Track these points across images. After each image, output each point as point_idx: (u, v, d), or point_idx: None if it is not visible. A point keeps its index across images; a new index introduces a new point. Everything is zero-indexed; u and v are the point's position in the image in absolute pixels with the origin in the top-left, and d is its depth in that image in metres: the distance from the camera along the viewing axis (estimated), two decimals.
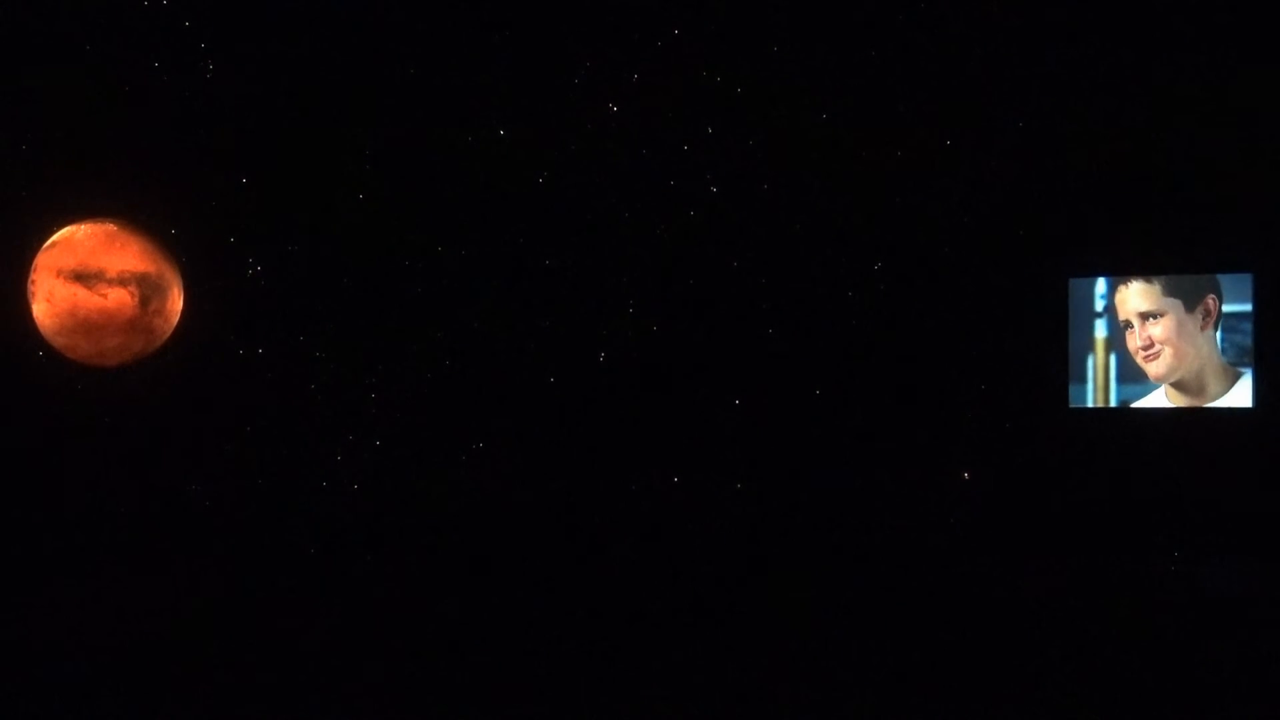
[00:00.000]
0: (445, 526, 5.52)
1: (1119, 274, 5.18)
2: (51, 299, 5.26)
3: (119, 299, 5.29)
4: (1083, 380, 5.21)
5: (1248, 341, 4.97)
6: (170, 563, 5.47)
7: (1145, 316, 5.05)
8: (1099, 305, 5.17)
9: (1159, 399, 5.07)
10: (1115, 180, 5.19)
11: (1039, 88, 5.22)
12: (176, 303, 5.41)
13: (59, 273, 5.28)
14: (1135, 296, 5.07)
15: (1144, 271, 5.14)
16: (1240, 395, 5.02)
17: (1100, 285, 5.18)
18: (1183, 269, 5.09)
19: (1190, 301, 5.02)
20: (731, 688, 5.12)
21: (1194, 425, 5.10)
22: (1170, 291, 5.01)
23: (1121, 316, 5.11)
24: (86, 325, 5.27)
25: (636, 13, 5.35)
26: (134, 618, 5.35)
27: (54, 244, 5.30)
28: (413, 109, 5.45)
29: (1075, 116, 5.20)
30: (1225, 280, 4.98)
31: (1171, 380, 5.07)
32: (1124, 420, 5.19)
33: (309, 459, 5.53)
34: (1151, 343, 5.06)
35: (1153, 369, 5.11)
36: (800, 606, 5.29)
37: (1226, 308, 4.99)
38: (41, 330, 5.28)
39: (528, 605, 5.42)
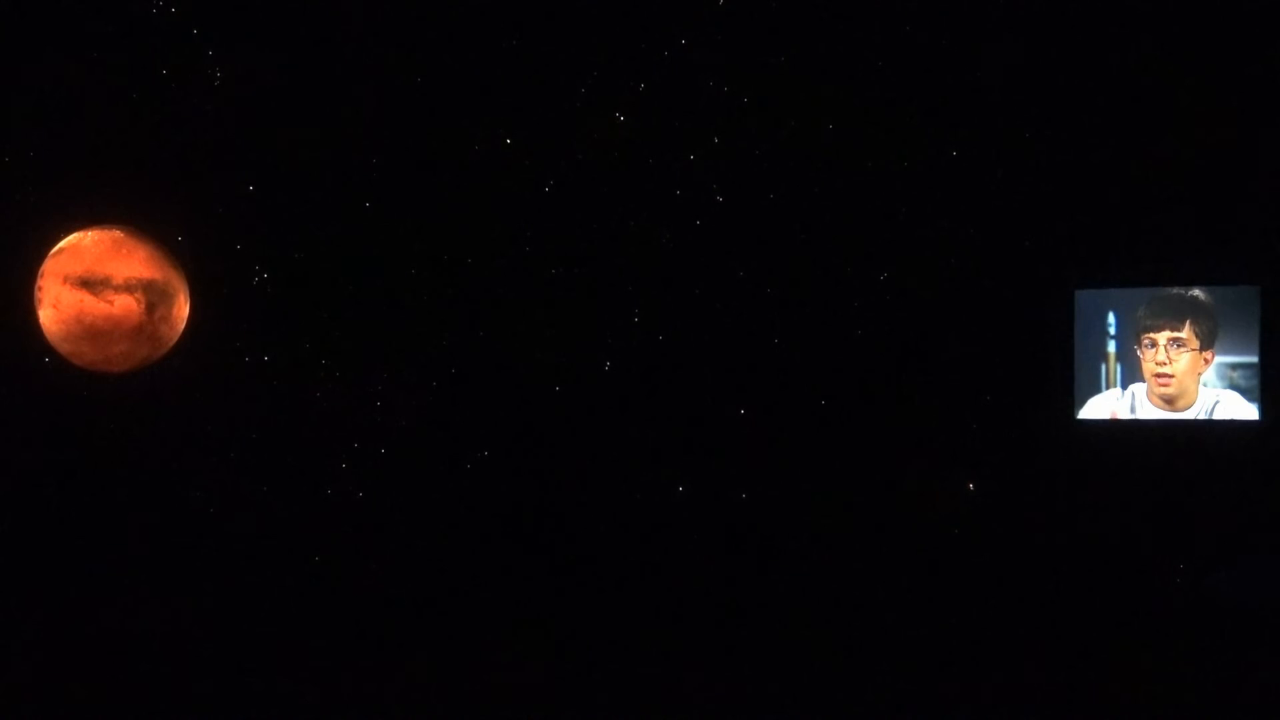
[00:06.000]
0: (451, 534, 5.52)
1: (1125, 286, 5.19)
2: (58, 305, 5.26)
3: (125, 305, 5.29)
4: (1098, 390, 5.23)
5: (1245, 383, 5.06)
6: (174, 570, 5.47)
7: (1174, 342, 5.09)
8: (1110, 329, 5.21)
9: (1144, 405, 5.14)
10: (1122, 192, 5.19)
11: (1045, 98, 5.22)
12: (183, 309, 5.40)
13: (65, 279, 5.27)
14: (1169, 323, 5.12)
15: (1150, 283, 5.15)
16: (1239, 407, 5.05)
17: (1110, 316, 5.20)
18: (1189, 281, 5.09)
19: (1203, 345, 5.08)
20: (736, 694, 5.12)
21: (1201, 437, 5.11)
22: (1196, 333, 5.07)
23: (1146, 334, 5.12)
24: (92, 332, 5.26)
25: (643, 22, 5.35)
26: (137, 624, 5.35)
27: (61, 250, 5.29)
28: (419, 117, 5.45)
29: (1080, 127, 5.21)
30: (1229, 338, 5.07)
31: (1167, 402, 5.15)
32: (1130, 432, 5.20)
33: (314, 466, 5.52)
34: (1169, 361, 5.09)
35: (1161, 390, 5.13)
36: (804, 616, 5.29)
37: (1233, 359, 5.07)
38: (47, 336, 5.27)
39: (533, 613, 5.41)
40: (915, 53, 5.25)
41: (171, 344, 5.41)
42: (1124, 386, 5.19)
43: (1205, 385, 5.08)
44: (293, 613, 5.42)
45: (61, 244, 5.30)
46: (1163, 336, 5.10)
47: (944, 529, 5.31)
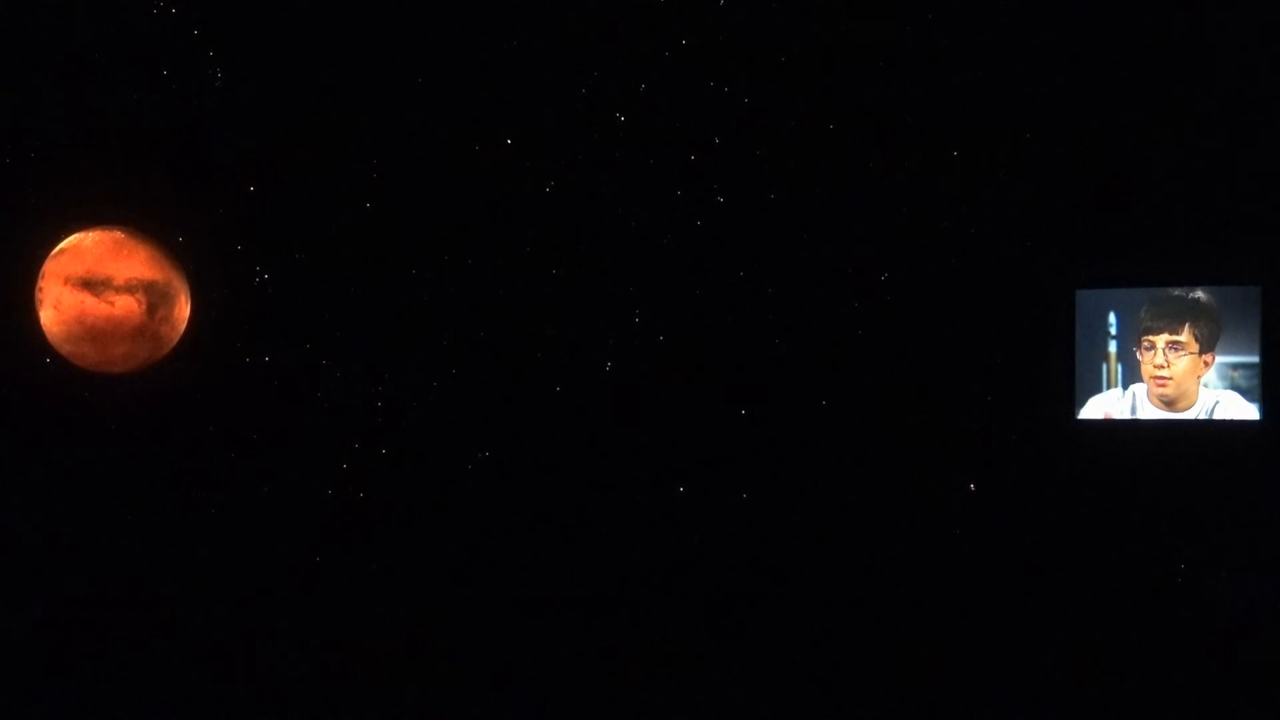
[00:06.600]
0: (451, 535, 5.52)
1: (1125, 286, 5.18)
2: (59, 306, 5.27)
3: (126, 306, 5.30)
4: (1099, 390, 5.22)
5: (1246, 383, 5.05)
6: (175, 570, 5.48)
7: (1173, 345, 5.08)
8: (1111, 329, 5.19)
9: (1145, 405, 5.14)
10: (1122, 192, 5.17)
11: (1045, 99, 5.21)
12: (184, 310, 5.41)
13: (66, 280, 5.28)
14: (1168, 326, 5.11)
15: (1151, 283, 5.14)
16: (1240, 407, 5.05)
17: (1111, 316, 5.19)
18: (1190, 281, 5.08)
19: (1203, 349, 5.07)
20: (735, 697, 5.12)
21: (1201, 437, 5.10)
22: (1195, 336, 5.06)
23: (1145, 336, 5.11)
24: (93, 333, 5.27)
25: (644, 22, 5.34)
26: (139, 624, 5.36)
27: (61, 251, 5.31)
28: (420, 117, 5.45)
29: (1082, 127, 5.19)
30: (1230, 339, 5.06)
31: (1166, 403, 5.14)
32: (1130, 432, 5.19)
33: (315, 467, 5.53)
34: (1167, 364, 5.08)
35: (1159, 391, 5.12)
36: (804, 617, 5.29)
37: (1234, 359, 5.06)
38: (49, 337, 5.29)
39: (533, 614, 5.42)
40: (915, 53, 5.23)
41: (172, 345, 5.42)
42: (1125, 386, 5.18)
43: (1206, 386, 5.07)
44: (293, 613, 5.43)
45: (62, 245, 5.32)
46: (1161, 339, 5.09)
47: (944, 529, 5.30)
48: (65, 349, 5.29)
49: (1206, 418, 5.06)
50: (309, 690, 5.23)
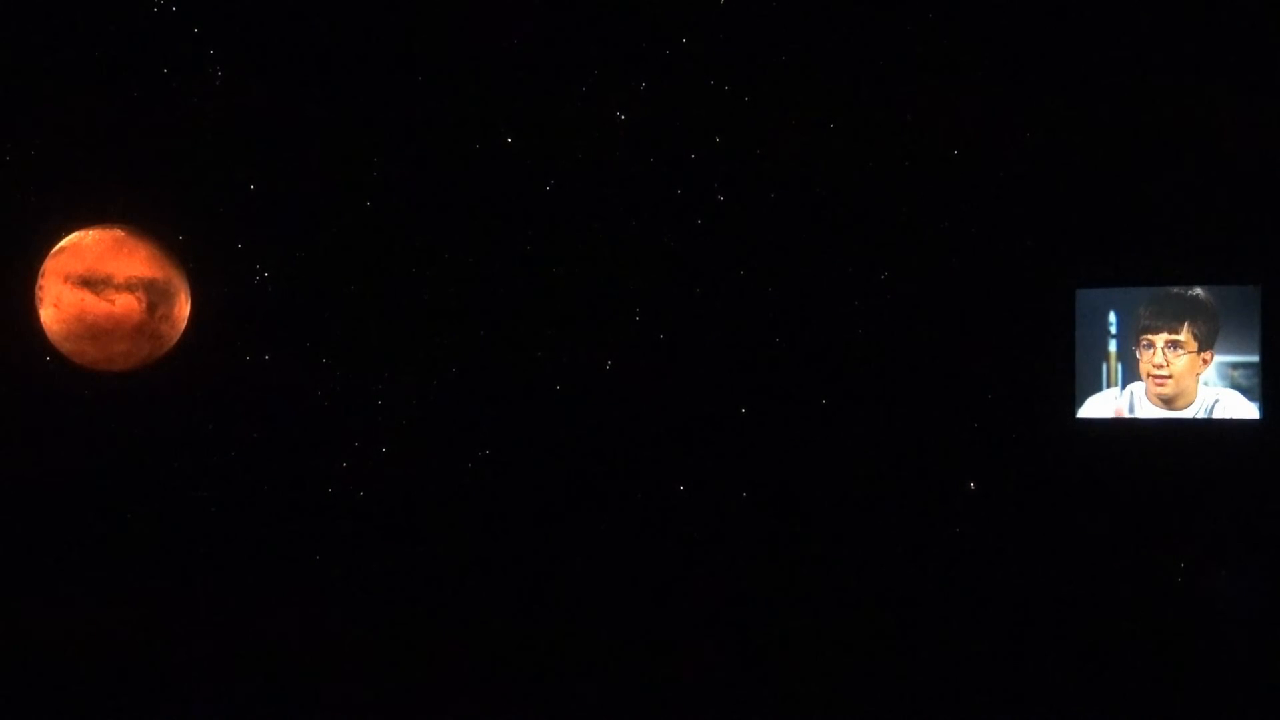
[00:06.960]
0: (451, 534, 5.52)
1: (1126, 285, 5.18)
2: (59, 304, 5.27)
3: (126, 305, 5.30)
4: (1099, 389, 5.22)
5: (1246, 382, 5.05)
6: (176, 568, 5.47)
7: (1172, 345, 5.08)
8: (1111, 328, 5.19)
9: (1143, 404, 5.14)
10: (1122, 192, 5.18)
11: (1045, 98, 5.22)
12: (184, 309, 5.41)
13: (66, 278, 5.28)
14: (1167, 325, 5.11)
15: (1151, 283, 5.14)
16: (1239, 406, 5.05)
17: (1110, 315, 5.19)
18: (1190, 281, 5.09)
19: (1202, 346, 5.06)
20: (733, 699, 5.12)
21: (1201, 437, 5.10)
22: (1194, 335, 5.06)
23: (1144, 335, 5.11)
24: (94, 331, 5.27)
25: (644, 21, 5.35)
26: (139, 623, 5.36)
27: (62, 249, 5.31)
28: (420, 116, 5.45)
29: (1081, 127, 5.20)
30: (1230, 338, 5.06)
31: (1164, 401, 5.13)
32: (1130, 431, 5.19)
33: (315, 466, 5.52)
34: (1166, 363, 5.08)
35: (1158, 390, 5.12)
36: (802, 616, 5.29)
37: (1234, 358, 5.05)
38: (49, 335, 5.29)
39: (533, 613, 5.42)
40: (915, 52, 5.24)
41: (173, 343, 5.42)
42: (1124, 386, 5.19)
43: (1206, 385, 5.07)
44: (293, 613, 5.42)
45: (62, 243, 5.32)
46: (1160, 338, 5.09)
47: (944, 529, 5.30)
48: (65, 347, 5.29)
49: (1206, 416, 5.06)
50: (309, 689, 5.23)
